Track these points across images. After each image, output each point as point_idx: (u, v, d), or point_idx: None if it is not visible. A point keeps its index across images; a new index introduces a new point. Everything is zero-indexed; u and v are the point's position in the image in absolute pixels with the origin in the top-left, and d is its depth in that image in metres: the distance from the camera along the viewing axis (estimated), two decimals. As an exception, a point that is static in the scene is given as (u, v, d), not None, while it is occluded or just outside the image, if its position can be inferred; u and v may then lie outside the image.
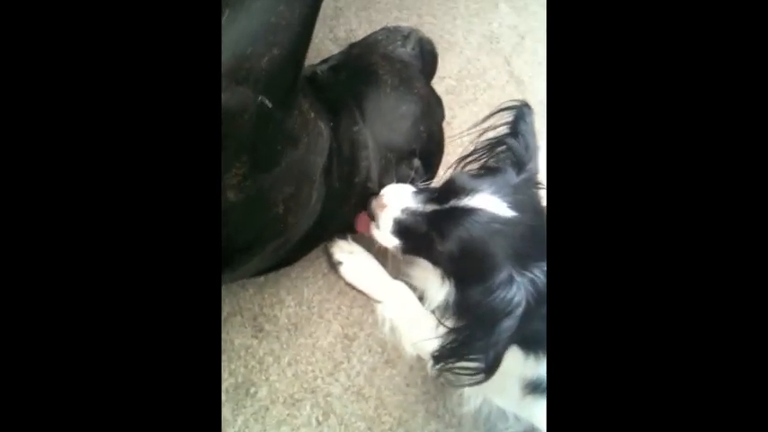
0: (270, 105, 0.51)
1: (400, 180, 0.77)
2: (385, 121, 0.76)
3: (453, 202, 0.69)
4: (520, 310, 0.63)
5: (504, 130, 0.77)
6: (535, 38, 1.40)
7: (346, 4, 1.13)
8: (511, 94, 1.25)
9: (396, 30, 0.87)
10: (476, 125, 0.78)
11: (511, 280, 0.64)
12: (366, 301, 0.91)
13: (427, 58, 0.88)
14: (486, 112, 0.78)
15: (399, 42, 0.86)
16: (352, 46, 0.87)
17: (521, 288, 0.63)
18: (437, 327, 0.79)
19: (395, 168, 0.77)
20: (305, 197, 0.62)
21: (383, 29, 0.88)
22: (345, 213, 0.76)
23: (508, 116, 0.77)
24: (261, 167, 0.53)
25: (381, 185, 0.77)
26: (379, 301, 0.90)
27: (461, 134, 0.80)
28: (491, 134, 0.78)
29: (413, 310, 0.87)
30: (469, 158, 0.79)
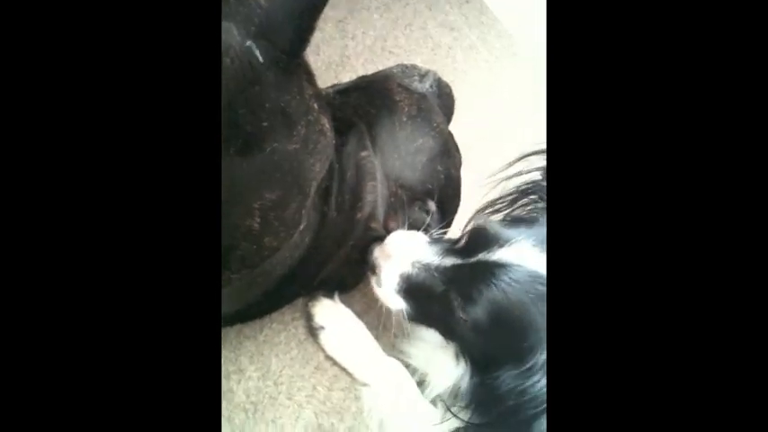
0: (261, 59, 0.37)
1: (411, 225, 0.63)
2: (398, 152, 0.63)
3: (482, 256, 0.54)
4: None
5: (536, 175, 0.65)
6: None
7: (354, 54, 1.07)
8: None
9: (412, 67, 0.78)
10: (502, 169, 0.66)
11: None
12: (350, 383, 0.72)
13: (445, 100, 0.78)
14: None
15: (416, 78, 0.76)
16: (363, 77, 0.77)
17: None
18: (443, 421, 0.61)
19: (405, 210, 0.62)
20: (291, 215, 0.45)
21: (398, 65, 0.79)
22: (339, 259, 0.60)
23: (539, 161, 0.66)
24: (236, 145, 0.37)
25: (388, 230, 0.62)
26: (365, 384, 0.71)
27: (487, 177, 0.67)
28: (517, 181, 0.66)
29: (409, 399, 0.68)
30: (493, 207, 0.66)
